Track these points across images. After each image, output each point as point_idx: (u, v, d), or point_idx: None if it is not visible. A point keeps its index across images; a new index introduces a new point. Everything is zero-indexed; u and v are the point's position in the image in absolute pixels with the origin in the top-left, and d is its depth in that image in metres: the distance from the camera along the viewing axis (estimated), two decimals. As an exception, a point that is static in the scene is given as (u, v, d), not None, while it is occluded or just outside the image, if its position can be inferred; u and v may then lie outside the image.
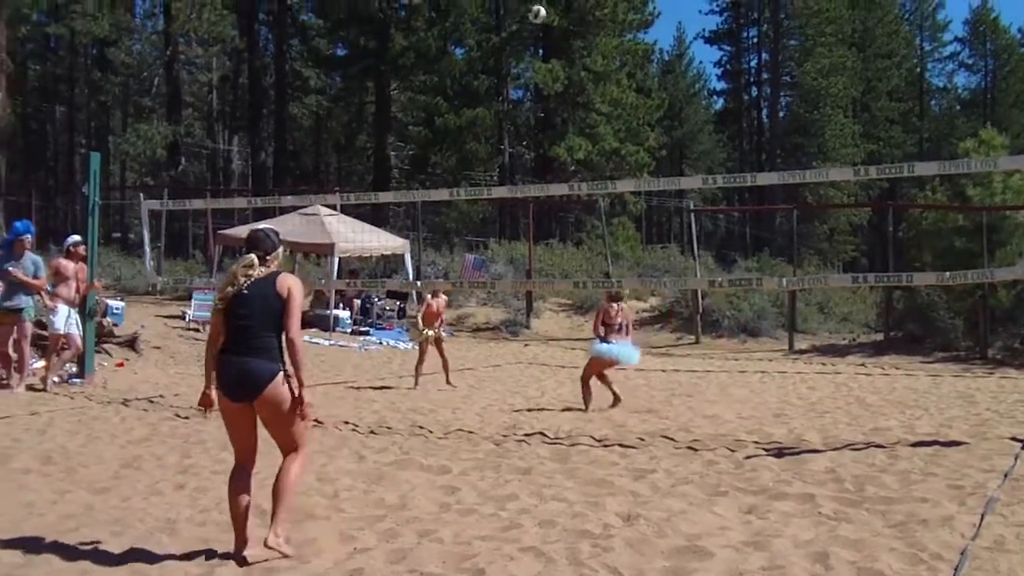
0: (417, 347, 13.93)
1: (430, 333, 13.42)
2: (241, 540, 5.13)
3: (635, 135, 44.16)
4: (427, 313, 13.53)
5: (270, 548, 5.01)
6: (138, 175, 54.20)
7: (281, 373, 5.16)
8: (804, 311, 22.92)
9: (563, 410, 11.04)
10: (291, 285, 5.26)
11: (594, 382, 10.97)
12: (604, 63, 42.78)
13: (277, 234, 5.53)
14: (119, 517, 6.00)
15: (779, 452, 8.05)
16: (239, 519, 5.15)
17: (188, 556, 5.21)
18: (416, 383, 13.13)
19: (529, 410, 11.05)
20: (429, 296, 13.74)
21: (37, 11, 36.50)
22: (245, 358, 5.15)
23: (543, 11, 13.04)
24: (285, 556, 5.04)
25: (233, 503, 5.18)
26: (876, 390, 13.23)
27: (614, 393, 10.99)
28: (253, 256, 5.27)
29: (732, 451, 8.14)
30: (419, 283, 20.43)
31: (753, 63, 65.87)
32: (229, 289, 5.22)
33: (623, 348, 10.97)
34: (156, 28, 48.21)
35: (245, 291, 5.20)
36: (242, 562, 5.01)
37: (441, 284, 14.73)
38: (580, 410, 10.80)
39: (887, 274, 14.67)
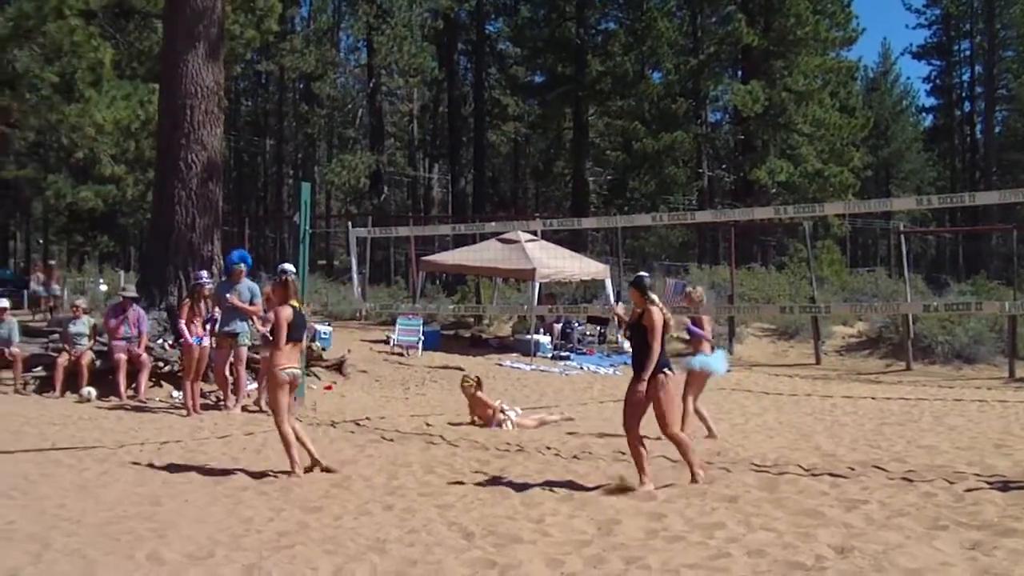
0: None
1: None
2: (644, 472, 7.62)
3: (839, 155, 43.08)
4: None
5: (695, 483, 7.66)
6: (342, 204, 56.14)
7: None
8: (1026, 336, 21.68)
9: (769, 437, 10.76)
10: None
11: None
12: (806, 82, 41.96)
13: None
14: (331, 536, 6.16)
15: (1003, 485, 7.55)
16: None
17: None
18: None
19: (734, 437, 10.79)
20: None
21: (250, 50, 38.32)
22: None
23: None
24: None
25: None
26: (1111, 421, 12.33)
27: None
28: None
29: (951, 483, 7.69)
30: (621, 307, 20.34)
31: (965, 77, 63.59)
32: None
33: None
34: (359, 62, 50.03)
35: None
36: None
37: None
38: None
39: (1119, 297, 13.69)
